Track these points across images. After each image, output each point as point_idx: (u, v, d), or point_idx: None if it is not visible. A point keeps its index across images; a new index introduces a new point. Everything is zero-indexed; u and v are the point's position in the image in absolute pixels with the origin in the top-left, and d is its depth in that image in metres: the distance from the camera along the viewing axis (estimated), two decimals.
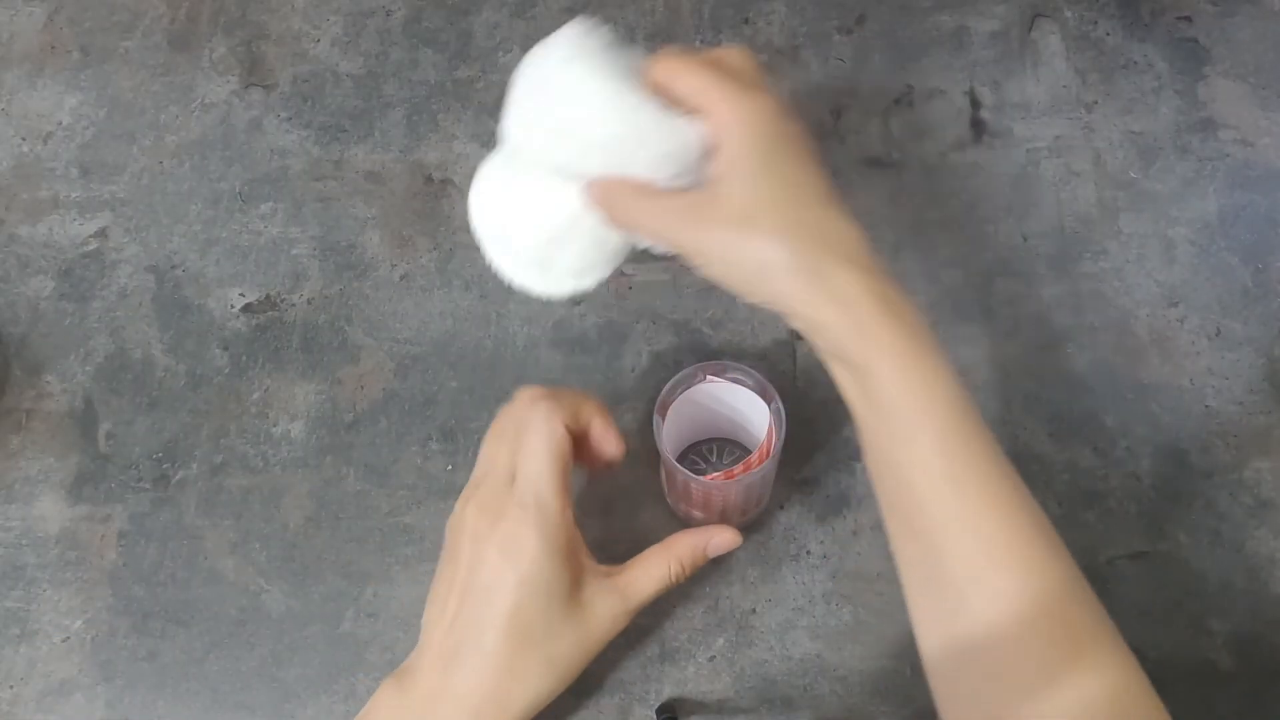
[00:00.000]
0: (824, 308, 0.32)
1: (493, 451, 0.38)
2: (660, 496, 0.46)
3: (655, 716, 0.43)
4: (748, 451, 0.46)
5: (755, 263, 0.33)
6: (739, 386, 0.42)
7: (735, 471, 0.41)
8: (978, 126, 0.54)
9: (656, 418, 0.41)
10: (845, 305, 0.32)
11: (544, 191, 0.37)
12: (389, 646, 0.44)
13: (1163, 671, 0.43)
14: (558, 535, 0.36)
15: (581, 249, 0.37)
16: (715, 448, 0.47)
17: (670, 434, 0.43)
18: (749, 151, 0.33)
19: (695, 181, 0.34)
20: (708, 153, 0.34)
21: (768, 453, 0.41)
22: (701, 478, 0.40)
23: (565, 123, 0.34)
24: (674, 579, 0.39)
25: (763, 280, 0.33)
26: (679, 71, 0.34)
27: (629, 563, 0.39)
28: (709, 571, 0.45)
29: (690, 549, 0.39)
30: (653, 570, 0.38)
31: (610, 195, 0.35)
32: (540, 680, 0.36)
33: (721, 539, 0.39)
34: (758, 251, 0.33)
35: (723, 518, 0.44)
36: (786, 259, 0.32)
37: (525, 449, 0.37)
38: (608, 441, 0.40)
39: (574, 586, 0.36)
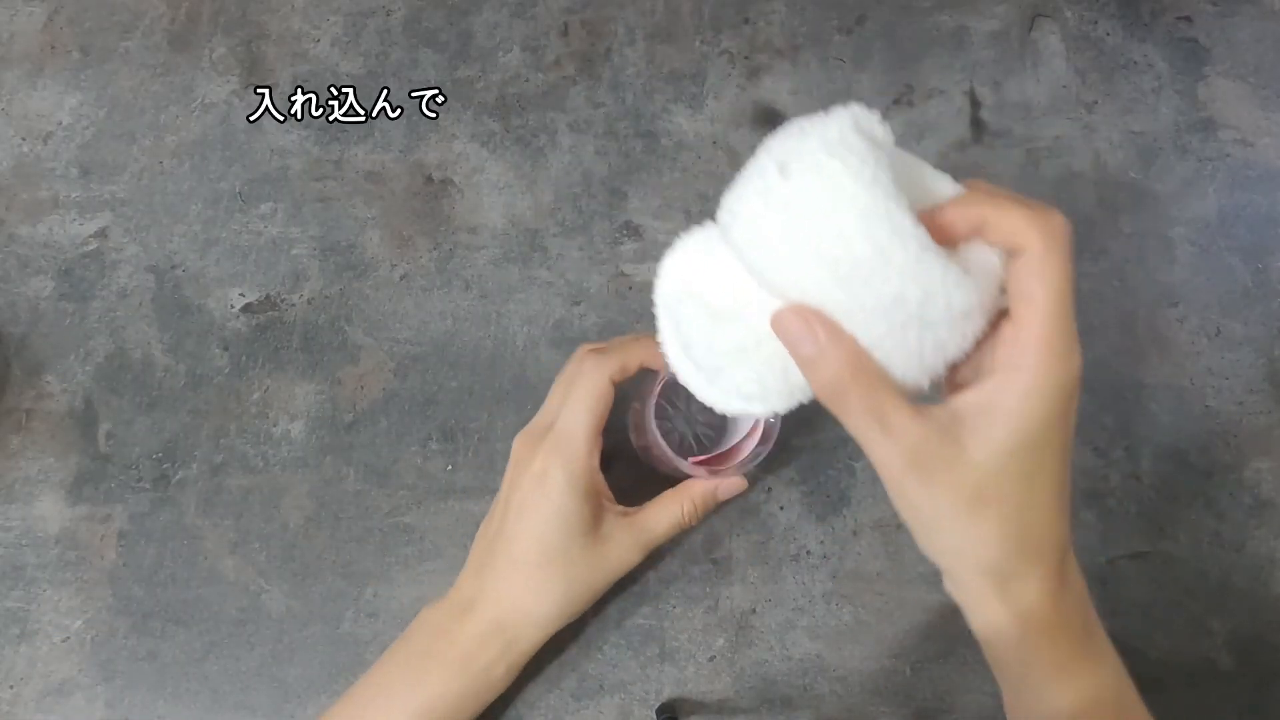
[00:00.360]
0: (1013, 628, 0.31)
1: (551, 397, 0.42)
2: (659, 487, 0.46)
3: (655, 716, 0.43)
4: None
5: (964, 547, 0.30)
6: None
7: (720, 464, 0.42)
8: (978, 126, 0.54)
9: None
10: (1037, 634, 0.31)
11: (743, 297, 0.30)
12: (389, 646, 0.44)
13: (1163, 671, 0.43)
14: (582, 475, 0.39)
15: (761, 374, 0.31)
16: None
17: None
18: (1036, 421, 0.28)
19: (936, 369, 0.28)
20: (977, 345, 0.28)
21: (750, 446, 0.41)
22: (684, 460, 0.41)
23: (813, 242, 0.27)
24: (687, 519, 0.41)
25: (962, 568, 0.31)
26: (1035, 260, 0.28)
27: (645, 505, 0.42)
28: (709, 571, 0.45)
29: (702, 492, 0.42)
30: (667, 509, 0.41)
31: (842, 373, 0.28)
32: (559, 597, 0.40)
33: (730, 484, 0.42)
34: (973, 539, 0.30)
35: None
36: (998, 561, 0.30)
37: (569, 399, 0.40)
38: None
39: (594, 521, 0.40)
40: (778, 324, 0.29)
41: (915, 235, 0.26)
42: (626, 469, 0.45)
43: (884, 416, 0.28)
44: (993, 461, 0.28)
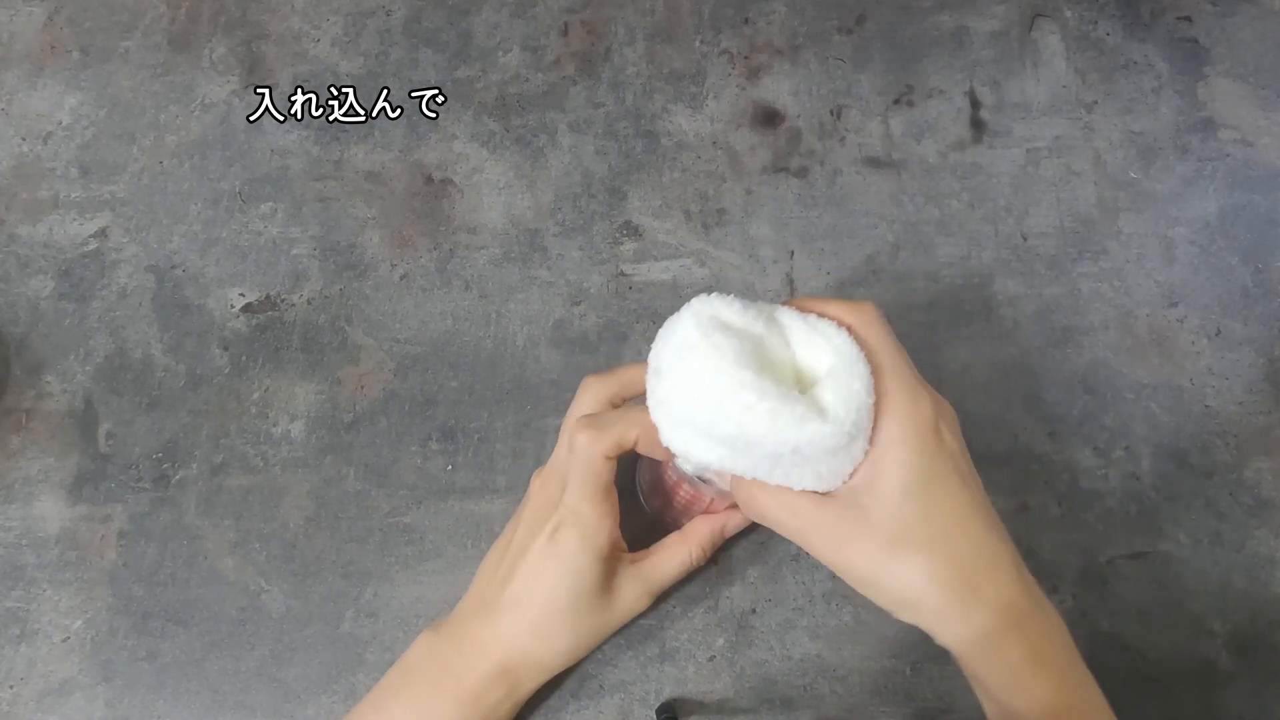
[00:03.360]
0: (971, 647, 0.33)
1: (559, 445, 0.41)
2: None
3: (655, 716, 0.43)
4: None
5: (899, 591, 0.33)
6: None
7: None
8: (978, 126, 0.54)
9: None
10: (993, 649, 0.33)
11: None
12: (389, 646, 0.44)
13: (1163, 671, 0.43)
14: (598, 540, 0.39)
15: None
16: None
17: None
18: (905, 465, 0.33)
19: (829, 470, 0.33)
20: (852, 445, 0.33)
21: None
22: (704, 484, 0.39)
23: (696, 425, 0.33)
24: (695, 561, 0.41)
25: (907, 609, 0.34)
26: (859, 331, 0.34)
27: (652, 549, 0.41)
28: (709, 571, 0.45)
29: (709, 532, 0.41)
30: (675, 555, 0.41)
31: (751, 493, 0.35)
32: (567, 646, 0.40)
33: (736, 519, 0.42)
34: (904, 582, 0.33)
35: (687, 515, 0.43)
36: (934, 595, 0.33)
37: (570, 483, 0.39)
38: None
39: (606, 579, 0.40)
40: (734, 487, 0.36)
41: (766, 404, 0.31)
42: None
43: (796, 512, 0.34)
44: (890, 511, 0.33)
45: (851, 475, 0.34)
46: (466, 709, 0.39)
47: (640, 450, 0.37)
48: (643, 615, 0.45)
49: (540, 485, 0.41)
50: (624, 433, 0.37)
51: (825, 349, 0.34)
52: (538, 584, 0.39)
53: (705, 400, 0.32)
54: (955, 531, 0.34)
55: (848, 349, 0.33)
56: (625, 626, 0.44)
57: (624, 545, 0.41)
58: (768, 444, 0.32)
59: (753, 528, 0.45)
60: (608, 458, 0.37)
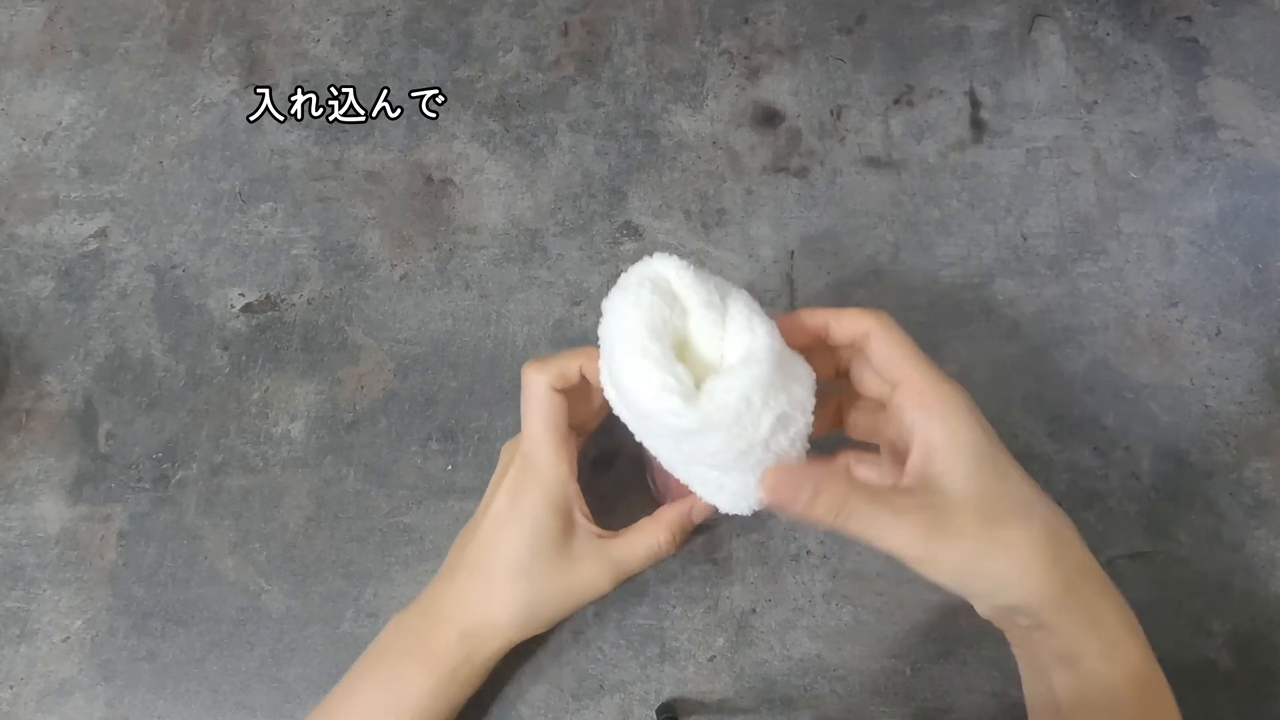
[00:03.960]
0: (1072, 613, 0.33)
1: (514, 441, 0.42)
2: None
3: (655, 716, 0.43)
4: None
5: (1003, 569, 0.33)
6: None
7: None
8: (978, 126, 0.54)
9: None
10: (1095, 613, 0.33)
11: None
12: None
13: (1163, 671, 0.43)
14: (552, 489, 0.39)
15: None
16: None
17: None
18: (970, 441, 0.33)
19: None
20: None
21: None
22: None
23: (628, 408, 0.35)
24: (664, 548, 0.40)
25: (1008, 587, 0.33)
26: (880, 332, 0.34)
27: (622, 530, 0.40)
28: (709, 571, 0.45)
29: (677, 517, 0.40)
30: (644, 539, 0.40)
31: (830, 501, 0.33)
32: (521, 610, 0.39)
33: (702, 505, 0.40)
34: (1009, 556, 0.33)
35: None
36: (1038, 563, 0.32)
37: (523, 416, 0.40)
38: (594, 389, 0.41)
39: (565, 538, 0.39)
40: (770, 491, 0.34)
41: (645, 363, 0.33)
42: (618, 481, 0.45)
43: (893, 516, 0.33)
44: (973, 488, 0.33)
45: (761, 502, 0.35)
46: (432, 677, 0.39)
47: (587, 375, 0.38)
48: (643, 615, 0.45)
49: (507, 452, 0.41)
50: (567, 363, 0.38)
51: (744, 341, 0.33)
52: (496, 541, 0.39)
53: (612, 347, 0.34)
54: (1034, 500, 0.34)
55: (763, 348, 0.33)
56: (624, 630, 0.43)
57: (588, 514, 0.40)
58: (638, 407, 0.33)
59: (740, 521, 0.45)
60: (555, 389, 0.38)
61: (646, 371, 0.33)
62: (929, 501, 0.33)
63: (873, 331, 0.35)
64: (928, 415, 0.33)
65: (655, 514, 0.41)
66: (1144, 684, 0.34)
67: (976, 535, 0.32)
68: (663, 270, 0.35)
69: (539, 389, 0.39)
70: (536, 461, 0.39)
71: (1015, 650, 0.38)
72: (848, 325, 0.35)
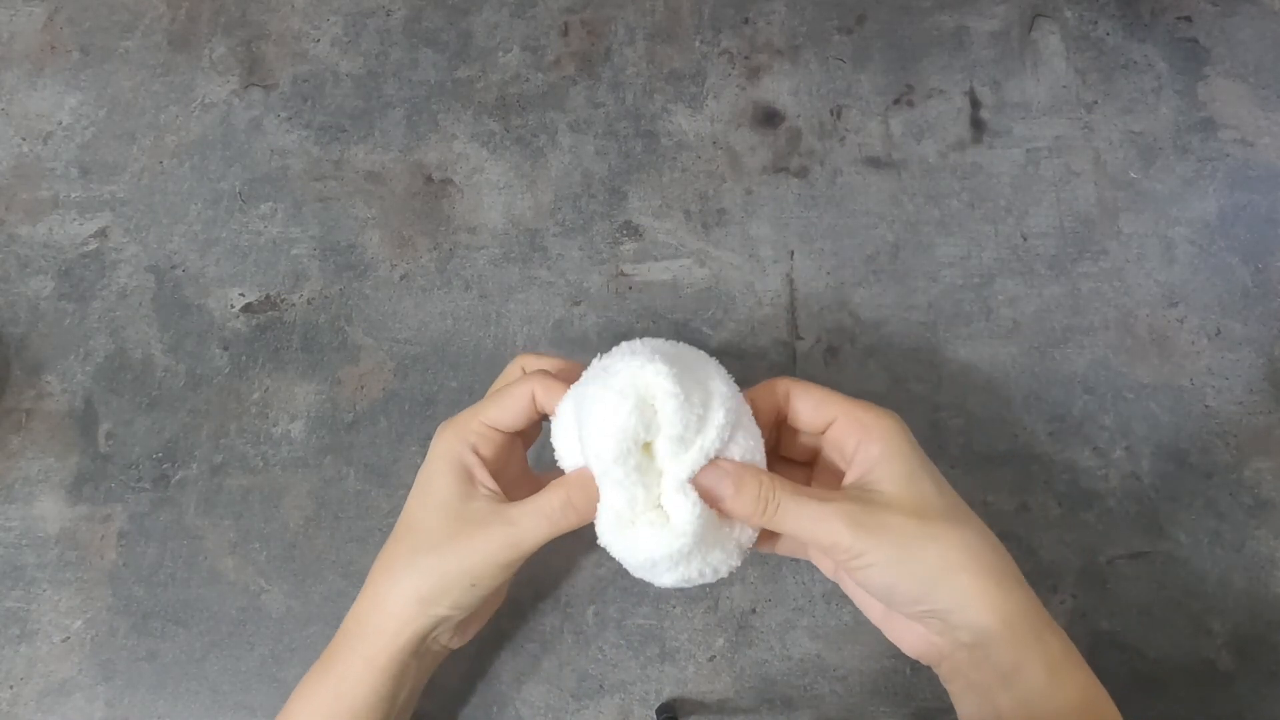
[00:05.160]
0: (1009, 630, 0.33)
1: None
2: None
3: (655, 716, 0.43)
4: None
5: (934, 565, 0.33)
6: None
7: None
8: (978, 126, 0.54)
9: None
10: (1033, 633, 0.33)
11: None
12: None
13: (1163, 671, 0.43)
14: (456, 450, 0.38)
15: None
16: None
17: None
18: (903, 454, 0.35)
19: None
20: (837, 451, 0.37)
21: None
22: None
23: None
24: (560, 513, 0.36)
25: (945, 576, 0.33)
26: (801, 391, 0.37)
27: (524, 500, 0.37)
28: None
29: (580, 483, 0.37)
30: (540, 507, 0.36)
31: (755, 491, 0.35)
32: (408, 580, 0.37)
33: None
34: (938, 552, 0.33)
35: None
36: (973, 565, 0.33)
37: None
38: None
39: (463, 497, 0.37)
40: (700, 490, 0.35)
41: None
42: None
43: (823, 506, 0.34)
44: (907, 489, 0.34)
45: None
46: (370, 665, 0.37)
47: (539, 399, 0.38)
48: (643, 615, 0.45)
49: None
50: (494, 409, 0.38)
51: (677, 507, 0.35)
52: (405, 512, 0.39)
53: (582, 439, 0.36)
54: (967, 512, 0.35)
55: (685, 523, 0.35)
56: (624, 630, 0.43)
57: (495, 487, 0.38)
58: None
59: None
60: (478, 450, 0.38)
61: (603, 486, 0.35)
62: (860, 496, 0.34)
63: (791, 390, 0.37)
64: (867, 437, 0.35)
65: (562, 479, 0.37)
66: (1093, 705, 0.34)
67: (906, 528, 0.33)
68: (651, 387, 0.35)
69: (450, 458, 0.38)
70: (455, 429, 0.38)
71: (948, 683, 0.37)
72: (767, 395, 0.37)
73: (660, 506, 0.36)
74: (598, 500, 0.36)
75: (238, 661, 0.44)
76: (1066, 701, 0.33)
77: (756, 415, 0.37)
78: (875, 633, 0.44)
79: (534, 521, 0.36)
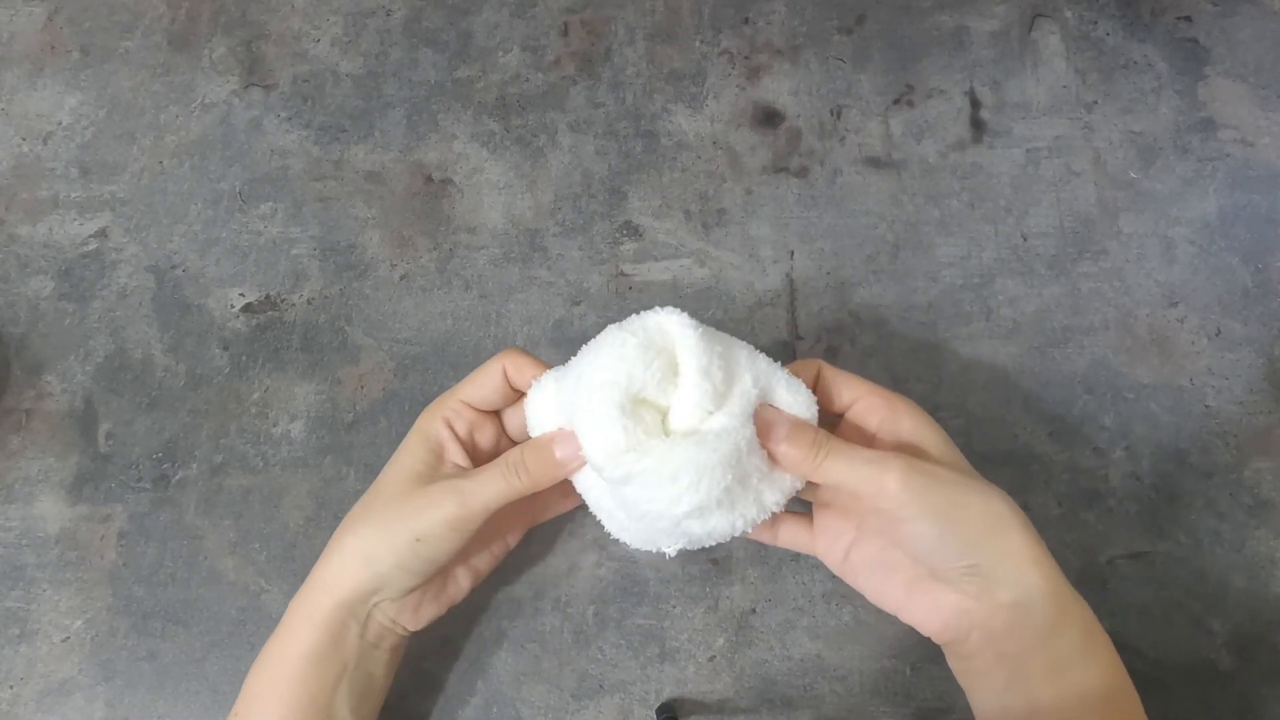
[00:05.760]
0: (1045, 601, 0.34)
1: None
2: None
3: (655, 716, 0.43)
4: None
5: (986, 514, 0.34)
6: None
7: None
8: (978, 126, 0.54)
9: None
10: (1066, 606, 0.34)
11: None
12: None
13: (1163, 671, 0.43)
14: (432, 423, 0.39)
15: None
16: None
17: None
18: (933, 425, 0.37)
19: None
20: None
21: None
22: None
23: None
24: (518, 480, 0.37)
25: (994, 531, 0.34)
26: (832, 372, 0.39)
27: (480, 468, 0.38)
28: (709, 571, 0.45)
29: (535, 445, 0.37)
30: (495, 480, 0.37)
31: (811, 436, 0.35)
32: (354, 537, 0.37)
33: (566, 450, 0.37)
34: (989, 502, 0.34)
35: None
36: (1016, 515, 0.34)
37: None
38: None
39: (428, 476, 0.38)
40: (778, 432, 0.35)
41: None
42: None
43: (872, 452, 0.35)
44: (947, 454, 0.36)
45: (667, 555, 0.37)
46: (312, 631, 0.37)
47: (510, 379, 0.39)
48: (643, 615, 0.45)
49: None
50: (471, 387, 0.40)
51: (717, 421, 0.34)
52: (373, 483, 0.39)
53: (578, 383, 0.35)
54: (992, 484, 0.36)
55: (722, 433, 0.34)
56: (624, 630, 0.43)
57: (465, 461, 0.39)
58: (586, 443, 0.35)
59: None
60: (453, 426, 0.39)
61: (601, 414, 0.34)
62: (910, 451, 0.36)
63: (822, 369, 0.39)
64: (893, 413, 0.37)
65: (520, 446, 0.38)
66: (1121, 680, 0.34)
67: (955, 480, 0.34)
68: (666, 325, 0.35)
69: (494, 367, 0.39)
70: (435, 407, 0.39)
71: (969, 660, 0.36)
72: (801, 371, 0.38)
73: (670, 433, 0.35)
74: (562, 461, 0.36)
75: (238, 661, 0.44)
76: (1100, 672, 0.33)
77: None
78: (875, 632, 0.44)
79: (484, 479, 0.37)
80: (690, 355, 0.34)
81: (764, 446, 0.35)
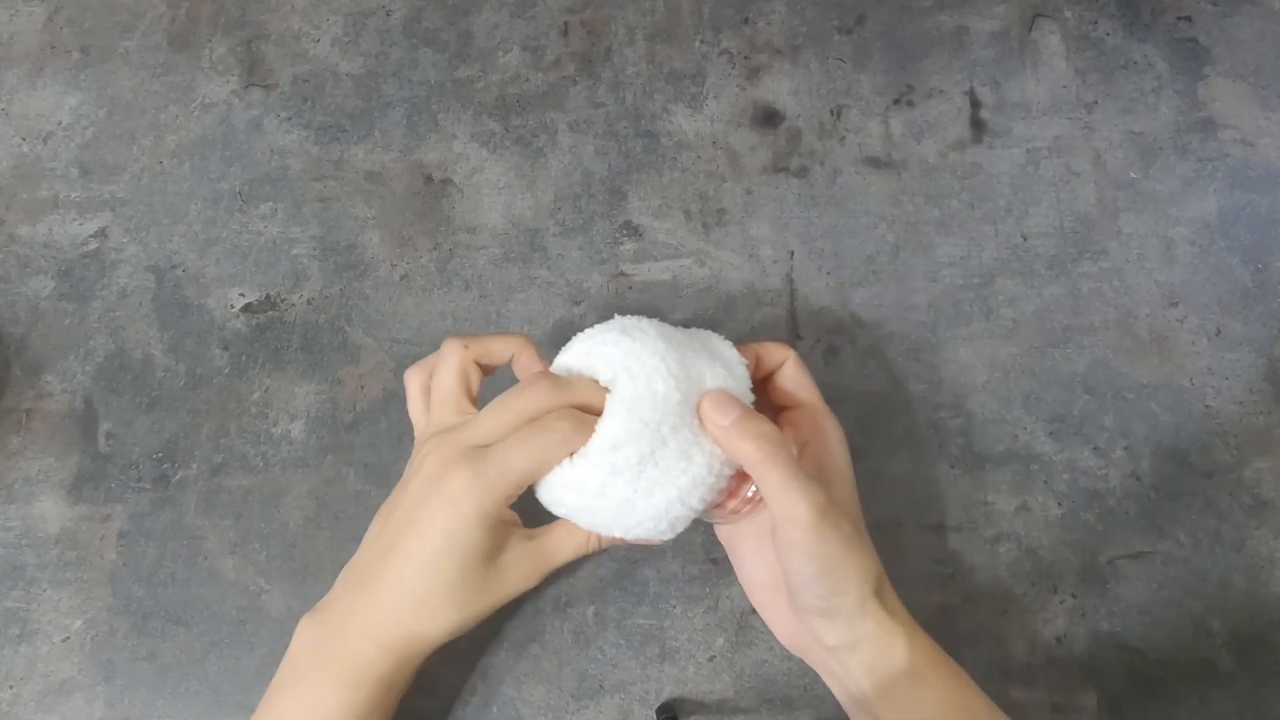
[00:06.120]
0: (887, 624, 0.36)
1: (490, 413, 0.39)
2: None
3: (655, 716, 0.43)
4: None
5: (862, 575, 0.36)
6: None
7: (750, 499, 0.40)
8: (978, 126, 0.54)
9: None
10: (903, 626, 0.37)
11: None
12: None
13: (1163, 671, 0.43)
14: (495, 513, 0.37)
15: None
16: None
17: None
18: (849, 465, 0.40)
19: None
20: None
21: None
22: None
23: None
24: (593, 546, 0.40)
25: (858, 580, 0.36)
26: (796, 367, 0.41)
27: (551, 527, 0.40)
28: (709, 571, 0.45)
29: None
30: (573, 538, 0.39)
31: (762, 424, 0.36)
32: (449, 619, 0.38)
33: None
34: (865, 566, 0.36)
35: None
36: (877, 579, 0.37)
37: (521, 442, 0.37)
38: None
39: (496, 550, 0.38)
40: (709, 402, 0.37)
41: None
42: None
43: (801, 472, 0.36)
44: (846, 489, 0.40)
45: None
46: (355, 693, 0.37)
47: (516, 369, 0.41)
48: (643, 615, 0.45)
49: (441, 451, 0.38)
50: (491, 343, 0.40)
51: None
52: (423, 556, 0.37)
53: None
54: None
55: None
56: (624, 630, 0.43)
57: (518, 519, 0.39)
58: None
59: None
60: (478, 362, 0.40)
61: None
62: (824, 487, 0.37)
63: (788, 360, 0.41)
64: (823, 439, 0.40)
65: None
66: (939, 660, 0.37)
67: (851, 527, 0.36)
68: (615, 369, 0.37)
69: (558, 441, 0.37)
70: (496, 492, 0.36)
71: (821, 661, 0.39)
72: (770, 354, 0.41)
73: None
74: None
75: (238, 661, 0.44)
76: (923, 658, 0.37)
77: (755, 362, 0.41)
78: None
79: (564, 553, 0.39)
80: (610, 421, 0.36)
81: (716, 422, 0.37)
